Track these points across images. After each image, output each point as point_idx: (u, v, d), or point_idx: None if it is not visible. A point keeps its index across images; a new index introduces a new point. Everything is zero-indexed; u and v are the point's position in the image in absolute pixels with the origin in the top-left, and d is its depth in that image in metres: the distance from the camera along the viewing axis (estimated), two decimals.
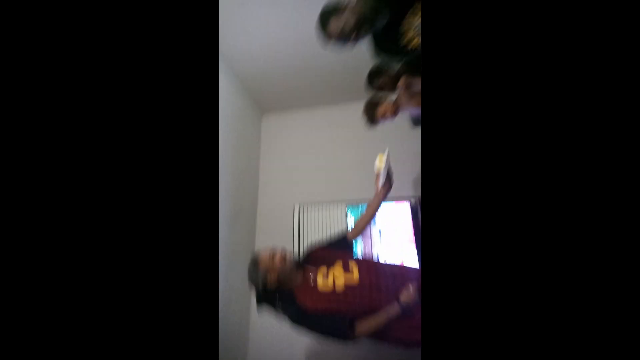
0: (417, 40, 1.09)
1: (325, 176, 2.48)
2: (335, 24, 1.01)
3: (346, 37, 1.02)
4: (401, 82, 1.57)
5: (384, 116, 1.66)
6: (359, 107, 1.72)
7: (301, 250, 2.35)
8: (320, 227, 2.39)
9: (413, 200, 2.11)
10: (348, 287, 1.04)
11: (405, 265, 1.63)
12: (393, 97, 1.68)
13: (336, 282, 1.05)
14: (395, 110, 1.65)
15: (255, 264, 1.09)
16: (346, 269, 1.09)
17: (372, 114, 1.67)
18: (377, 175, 1.34)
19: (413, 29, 1.07)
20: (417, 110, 1.63)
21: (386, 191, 1.34)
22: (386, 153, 1.32)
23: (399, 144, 2.40)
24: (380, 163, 1.31)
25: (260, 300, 1.10)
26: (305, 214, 2.45)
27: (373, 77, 1.67)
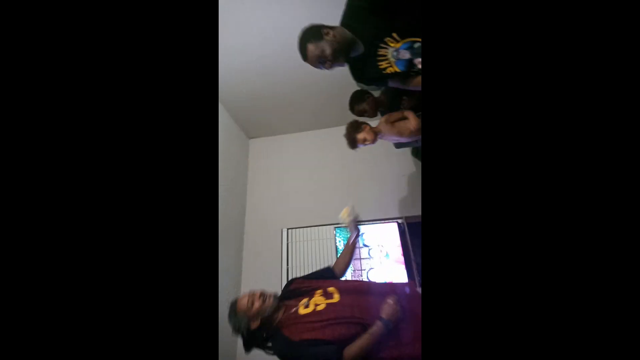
0: (392, 69, 1.17)
1: (312, 199, 2.49)
2: (313, 50, 1.07)
3: (322, 63, 1.09)
4: (383, 119, 1.65)
5: (363, 142, 1.71)
6: (342, 131, 1.77)
7: (290, 273, 2.29)
8: (308, 250, 2.35)
9: (400, 221, 2.13)
10: (329, 305, 1.02)
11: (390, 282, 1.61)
12: (372, 123, 1.75)
13: (317, 309, 1.02)
14: (374, 137, 1.70)
15: (234, 312, 1.07)
16: (326, 296, 1.07)
17: (352, 139, 1.72)
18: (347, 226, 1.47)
19: (386, 59, 1.15)
20: (396, 138, 1.69)
21: (356, 237, 1.45)
22: (351, 207, 1.48)
23: (384, 165, 2.47)
24: (346, 216, 1.45)
25: (248, 345, 1.07)
26: (293, 238, 2.41)
27: (354, 103, 1.75)
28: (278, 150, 2.78)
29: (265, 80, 2.18)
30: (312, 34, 1.08)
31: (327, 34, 1.07)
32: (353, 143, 1.72)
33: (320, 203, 2.46)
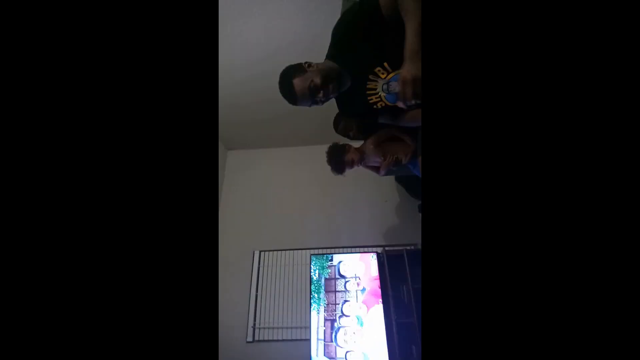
0: (382, 103, 1.07)
1: (288, 221, 2.34)
2: (301, 84, 0.96)
3: (313, 94, 0.97)
4: (370, 139, 1.54)
5: (351, 164, 1.59)
6: (324, 149, 1.64)
7: (260, 300, 2.11)
8: (281, 275, 2.19)
9: (380, 251, 2.01)
10: None
11: None
12: (357, 144, 1.63)
13: None
14: (360, 157, 1.59)
15: None
16: None
17: (340, 162, 1.59)
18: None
19: (376, 93, 1.05)
20: (379, 161, 1.58)
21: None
22: None
23: (366, 190, 2.36)
24: None
25: None
26: (265, 261, 2.25)
27: (339, 119, 1.63)
28: (257, 164, 2.61)
29: (249, 91, 2.05)
30: (292, 70, 0.98)
31: (310, 66, 0.97)
32: (341, 167, 1.59)
33: (296, 225, 2.31)
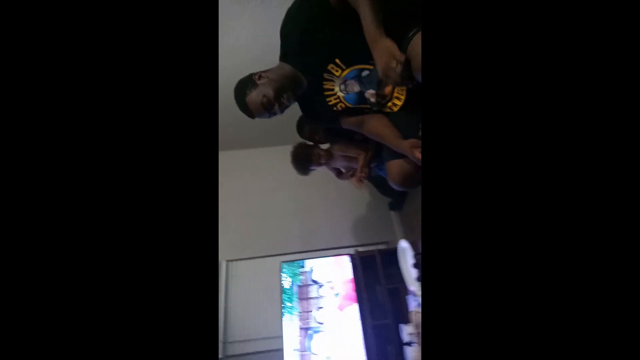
0: (342, 105, 1.02)
1: (256, 226, 2.23)
2: (254, 100, 0.92)
3: (269, 108, 0.93)
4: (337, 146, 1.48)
5: (319, 160, 1.49)
6: (288, 150, 1.55)
7: (230, 313, 2.00)
8: (251, 286, 2.09)
9: (353, 252, 1.97)
10: None
11: None
12: (324, 146, 1.56)
13: None
14: (329, 156, 1.50)
15: None
16: None
17: (305, 158, 1.49)
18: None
19: (334, 94, 0.99)
20: (346, 164, 1.52)
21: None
22: None
23: (336, 189, 2.30)
24: None
25: None
26: (234, 271, 2.13)
27: (302, 125, 1.54)
28: (220, 167, 2.47)
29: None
30: (244, 85, 0.94)
31: (260, 77, 0.92)
32: (306, 164, 1.49)
33: (264, 231, 2.21)
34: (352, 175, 1.46)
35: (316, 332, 1.79)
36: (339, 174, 1.59)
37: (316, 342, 1.77)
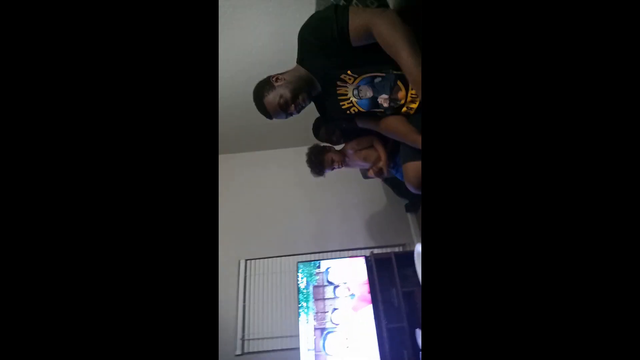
0: (355, 109, 1.03)
1: (273, 227, 2.27)
2: (272, 101, 0.96)
3: (285, 108, 0.97)
4: (350, 145, 1.49)
5: (331, 164, 1.53)
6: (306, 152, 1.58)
7: (247, 310, 2.05)
8: (268, 284, 2.13)
9: (368, 255, 1.97)
10: None
11: None
12: (339, 147, 1.57)
13: None
14: (342, 159, 1.53)
15: None
16: None
17: (319, 162, 1.52)
18: None
19: (348, 99, 1.00)
20: (362, 164, 1.53)
21: None
22: None
23: (352, 191, 2.31)
24: None
25: None
26: (252, 270, 2.18)
27: (318, 127, 1.56)
28: (238, 169, 2.53)
29: (232, 94, 1.97)
30: (262, 87, 0.97)
31: (277, 80, 0.96)
32: (320, 167, 1.53)
33: (282, 231, 2.25)
34: (376, 172, 1.48)
35: (330, 332, 1.81)
36: (364, 174, 1.62)
37: (330, 343, 1.78)
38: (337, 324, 1.82)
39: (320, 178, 1.59)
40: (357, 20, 0.83)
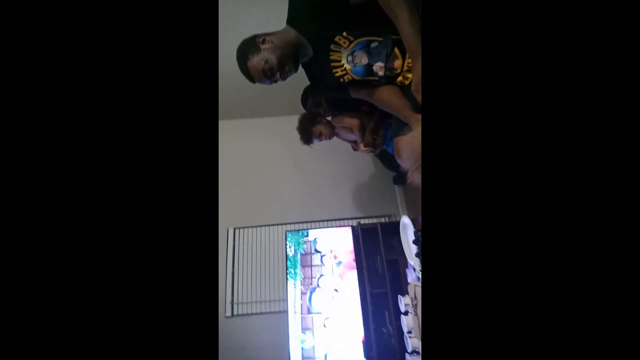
0: (349, 77, 0.98)
1: (262, 196, 2.28)
2: (256, 65, 0.88)
3: (270, 75, 0.90)
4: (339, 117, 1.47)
5: (319, 136, 1.53)
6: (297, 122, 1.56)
7: (235, 278, 2.11)
8: (256, 253, 2.18)
9: (355, 225, 2.02)
10: None
11: None
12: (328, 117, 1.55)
13: None
14: (331, 132, 1.53)
15: None
16: None
17: (307, 132, 1.52)
18: None
19: (341, 66, 0.95)
20: (350, 136, 1.52)
21: None
22: None
23: (342, 162, 2.31)
24: None
25: None
26: (241, 238, 2.21)
27: (306, 97, 1.52)
28: (224, 136, 2.46)
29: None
30: (247, 48, 0.89)
31: (264, 41, 0.88)
32: (308, 137, 1.53)
33: (271, 200, 2.26)
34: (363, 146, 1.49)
35: (314, 290, 1.90)
36: (354, 147, 1.63)
37: (316, 297, 1.88)
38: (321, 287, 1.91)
39: (311, 148, 1.59)
40: None
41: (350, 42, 0.90)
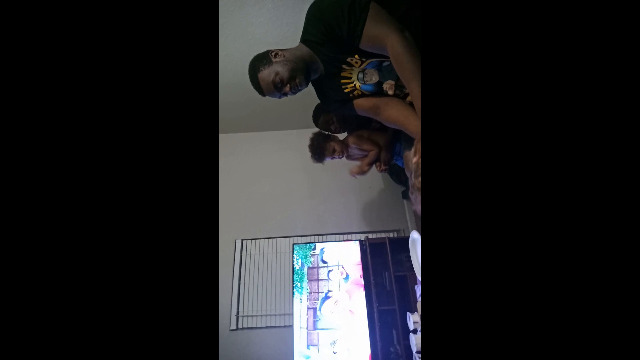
0: (358, 92, 0.99)
1: (270, 208, 2.28)
2: (266, 77, 0.90)
3: (280, 88, 0.91)
4: (354, 134, 1.49)
5: (332, 153, 1.54)
6: (308, 134, 1.57)
7: (242, 290, 2.10)
8: (264, 264, 2.17)
9: (363, 239, 2.00)
10: None
11: None
12: (341, 136, 1.57)
13: None
14: (343, 149, 1.54)
15: None
16: None
17: (320, 149, 1.53)
18: None
19: (351, 82, 0.97)
20: (361, 153, 1.53)
21: None
22: None
23: (351, 179, 2.30)
24: None
25: None
26: (248, 250, 2.21)
27: (319, 112, 1.54)
28: (236, 149, 2.50)
29: (223, 72, 1.91)
30: (259, 61, 0.91)
31: (276, 55, 0.90)
32: (320, 154, 1.54)
33: (279, 213, 2.26)
34: (378, 166, 1.51)
35: (325, 299, 1.86)
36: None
37: (327, 305, 1.84)
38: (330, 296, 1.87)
39: (318, 164, 1.60)
40: (374, 31, 0.79)
41: (362, 62, 0.92)
